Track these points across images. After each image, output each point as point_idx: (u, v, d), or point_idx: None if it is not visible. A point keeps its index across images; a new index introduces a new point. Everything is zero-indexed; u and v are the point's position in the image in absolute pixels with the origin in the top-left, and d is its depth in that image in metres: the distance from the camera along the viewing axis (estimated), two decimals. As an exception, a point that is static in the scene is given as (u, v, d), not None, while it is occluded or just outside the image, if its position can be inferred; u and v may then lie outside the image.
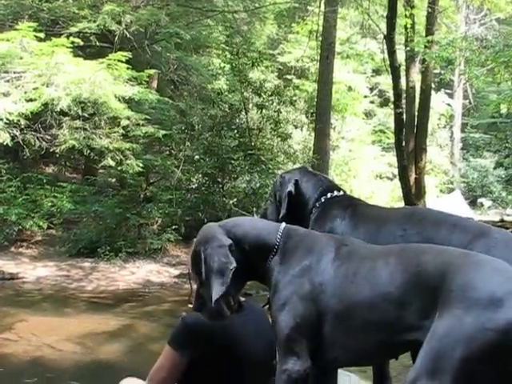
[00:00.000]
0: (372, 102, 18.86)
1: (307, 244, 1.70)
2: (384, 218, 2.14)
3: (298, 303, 1.60)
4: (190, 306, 1.79)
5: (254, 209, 9.33)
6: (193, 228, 9.54)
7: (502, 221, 12.73)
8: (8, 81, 7.04)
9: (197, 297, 1.73)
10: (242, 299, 1.97)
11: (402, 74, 10.15)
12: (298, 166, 9.15)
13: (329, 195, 2.36)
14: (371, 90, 18.90)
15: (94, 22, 8.13)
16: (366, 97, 17.74)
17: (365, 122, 17.59)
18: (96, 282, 7.54)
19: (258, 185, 9.52)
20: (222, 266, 1.67)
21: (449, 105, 20.28)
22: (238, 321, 1.87)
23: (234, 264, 1.67)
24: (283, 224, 1.79)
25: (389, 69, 8.48)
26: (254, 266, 1.74)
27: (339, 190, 2.43)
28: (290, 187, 2.37)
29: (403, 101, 9.83)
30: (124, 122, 7.91)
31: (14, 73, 7.08)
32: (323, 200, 2.34)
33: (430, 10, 11.45)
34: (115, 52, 7.70)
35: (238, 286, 1.76)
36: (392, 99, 9.64)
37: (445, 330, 1.34)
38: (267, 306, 1.80)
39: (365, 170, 15.97)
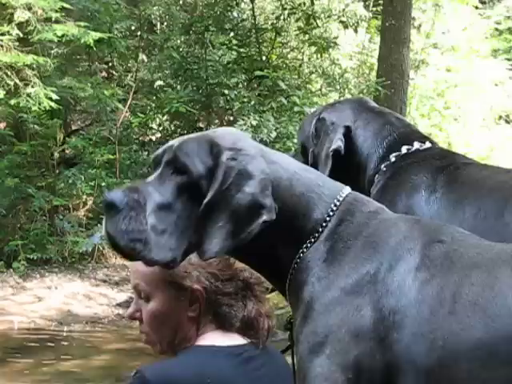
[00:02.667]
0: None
1: (374, 233, 1.72)
2: None
3: (351, 344, 1.61)
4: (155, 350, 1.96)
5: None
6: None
7: None
8: None
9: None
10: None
11: None
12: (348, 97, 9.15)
13: (404, 150, 2.46)
14: None
15: None
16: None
17: (479, 12, 17.43)
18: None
19: (273, 134, 9.60)
20: (252, 203, 1.69)
21: None
22: (246, 377, 2.03)
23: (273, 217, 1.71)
24: (347, 188, 1.83)
25: None
26: (272, 249, 1.78)
27: (424, 139, 2.52)
28: (339, 142, 2.48)
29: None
30: (20, 15, 7.95)
31: None
32: (394, 159, 2.45)
33: None
34: None
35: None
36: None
37: None
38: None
39: (477, 107, 15.94)
